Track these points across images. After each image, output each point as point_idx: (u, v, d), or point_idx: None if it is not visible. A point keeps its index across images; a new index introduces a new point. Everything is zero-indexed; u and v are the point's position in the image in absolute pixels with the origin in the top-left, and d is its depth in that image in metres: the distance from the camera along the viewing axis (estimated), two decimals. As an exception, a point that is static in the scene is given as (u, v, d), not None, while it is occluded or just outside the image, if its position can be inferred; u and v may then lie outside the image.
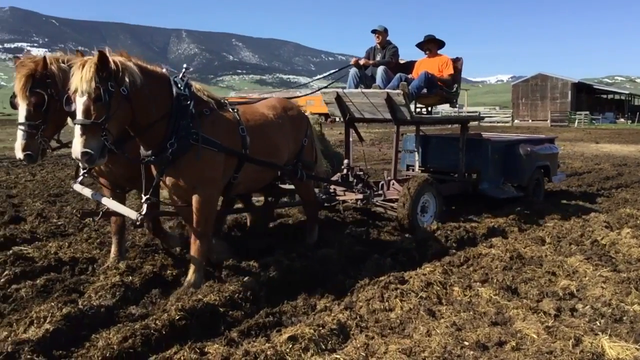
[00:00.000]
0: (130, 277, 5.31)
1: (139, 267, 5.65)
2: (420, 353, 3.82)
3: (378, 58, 8.58)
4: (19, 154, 5.07)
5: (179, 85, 4.93)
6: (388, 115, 7.79)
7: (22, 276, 5.50)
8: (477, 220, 8.30)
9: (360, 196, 7.63)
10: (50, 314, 4.29)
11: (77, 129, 4.26)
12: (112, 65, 4.32)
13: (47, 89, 5.04)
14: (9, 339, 3.96)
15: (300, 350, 3.84)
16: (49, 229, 7.50)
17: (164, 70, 5.07)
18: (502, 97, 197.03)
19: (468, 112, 52.56)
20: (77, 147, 4.25)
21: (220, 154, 5.09)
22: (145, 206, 4.95)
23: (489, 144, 9.22)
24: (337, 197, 7.88)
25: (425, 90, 8.09)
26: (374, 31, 8.62)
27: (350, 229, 7.79)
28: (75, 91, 4.28)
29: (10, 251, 6.23)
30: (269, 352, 3.75)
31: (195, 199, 5.06)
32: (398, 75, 7.96)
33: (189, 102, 4.86)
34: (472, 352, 3.86)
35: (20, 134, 5.06)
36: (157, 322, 4.23)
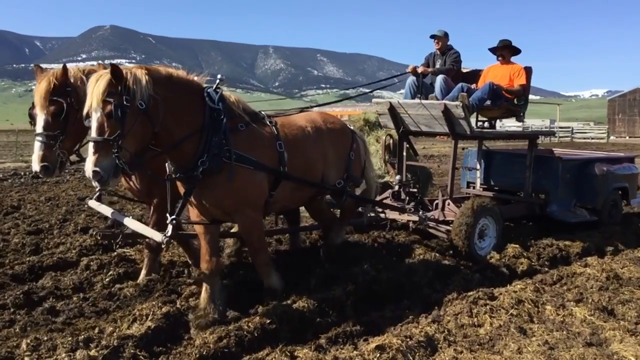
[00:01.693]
0: (224, 281, 5.54)
1: (231, 271, 5.89)
2: (510, 370, 3.76)
3: (437, 65, 7.95)
4: (35, 166, 4.88)
5: (213, 97, 4.59)
6: (445, 129, 7.15)
7: (125, 276, 5.89)
8: (570, 238, 7.98)
9: (413, 217, 6.97)
10: (151, 312, 4.60)
11: (90, 147, 4.02)
12: (128, 78, 4.05)
13: (67, 97, 4.90)
14: (114, 334, 4.28)
15: (388, 360, 3.88)
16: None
17: (200, 79, 4.74)
18: (597, 113, 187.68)
19: (559, 127, 50.47)
20: (88, 166, 3.99)
21: (258, 172, 4.77)
22: (170, 227, 4.56)
23: (560, 162, 8.40)
24: (386, 217, 7.34)
25: (488, 102, 7.45)
26: (432, 36, 8.00)
27: (436, 242, 7.72)
28: (90, 106, 4.04)
29: (115, 253, 6.66)
30: (357, 360, 3.81)
31: (240, 223, 4.98)
32: (459, 85, 7.36)
33: (222, 117, 4.54)
34: (565, 372, 3.74)
35: (37, 145, 4.87)
36: (250, 324, 4.42)
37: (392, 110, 7.63)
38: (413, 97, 7.77)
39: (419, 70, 7.82)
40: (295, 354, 3.97)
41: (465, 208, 6.70)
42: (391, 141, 9.45)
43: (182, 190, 4.65)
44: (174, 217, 4.59)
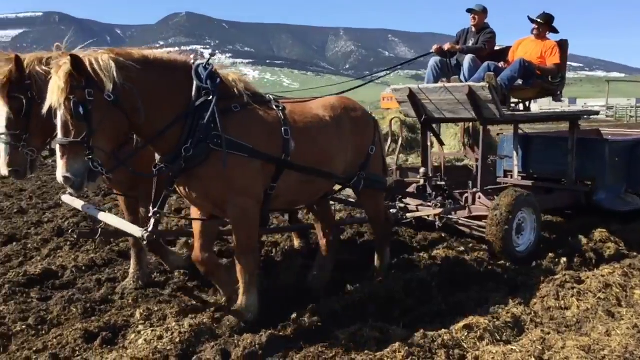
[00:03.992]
0: (309, 261, 5.83)
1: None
2: (599, 351, 3.82)
3: (470, 44, 7.14)
4: (4, 171, 4.55)
5: (201, 75, 4.06)
6: (472, 114, 6.44)
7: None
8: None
9: (437, 210, 6.36)
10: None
11: (57, 150, 3.60)
12: (92, 68, 3.55)
13: (26, 91, 4.44)
14: (217, 305, 4.73)
15: (476, 339, 4.02)
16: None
17: (187, 59, 4.24)
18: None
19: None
20: (58, 172, 3.60)
21: (253, 159, 4.19)
22: (152, 221, 4.14)
23: (607, 145, 7.54)
24: (409, 213, 6.56)
25: (520, 82, 6.72)
26: (469, 10, 7.20)
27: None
28: (51, 105, 3.58)
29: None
30: (445, 337, 3.97)
31: (229, 214, 4.31)
32: (485, 64, 6.62)
33: (210, 98, 4.00)
34: (657, 356, 3.77)
35: (1, 147, 4.51)
36: (340, 302, 4.70)
37: (413, 96, 6.86)
38: (436, 81, 7.07)
39: (446, 47, 7.04)
40: (385, 330, 4.17)
41: (500, 201, 6.08)
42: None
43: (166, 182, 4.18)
44: (156, 209, 4.16)
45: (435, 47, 7.14)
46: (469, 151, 8.71)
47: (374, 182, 5.21)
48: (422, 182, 6.81)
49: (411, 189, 6.94)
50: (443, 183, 6.79)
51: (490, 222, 5.99)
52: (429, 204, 6.57)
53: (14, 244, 7.00)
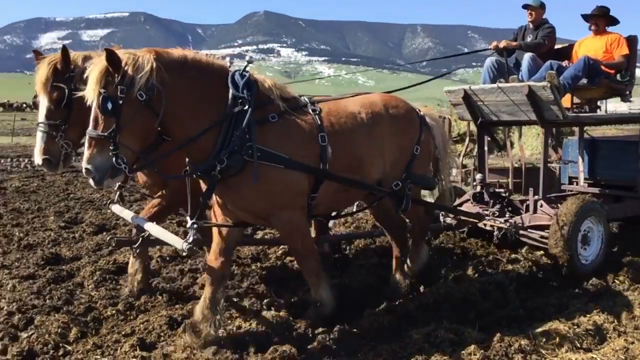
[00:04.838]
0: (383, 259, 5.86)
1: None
2: (688, 365, 3.64)
3: (528, 40, 6.68)
4: (37, 159, 4.53)
5: (237, 83, 3.90)
6: (532, 116, 5.98)
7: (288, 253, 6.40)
8: None
9: (501, 224, 5.93)
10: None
11: (86, 142, 3.59)
12: (128, 65, 3.51)
13: (69, 83, 4.41)
14: (292, 300, 4.88)
15: (555, 345, 3.94)
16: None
17: (225, 64, 4.04)
18: None
19: None
20: (82, 163, 3.60)
21: (291, 171, 4.01)
22: (192, 233, 3.96)
23: None
24: (466, 221, 6.21)
25: (584, 81, 6.20)
26: (525, 6, 6.73)
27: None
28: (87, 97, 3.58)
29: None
30: (522, 342, 3.90)
31: (277, 228, 4.31)
32: (547, 63, 6.17)
33: (246, 107, 3.84)
34: None
35: (39, 135, 4.50)
36: (415, 302, 4.71)
37: (467, 98, 6.43)
38: (493, 81, 6.53)
39: (501, 44, 6.54)
40: (460, 332, 4.15)
41: (563, 209, 5.63)
42: None
43: (204, 188, 4.01)
44: (194, 221, 3.96)
45: (493, 44, 6.71)
46: (552, 152, 8.42)
47: (418, 182, 4.93)
48: (478, 188, 6.46)
49: (467, 195, 6.60)
50: (502, 190, 6.43)
51: (553, 232, 5.56)
52: (486, 212, 6.18)
53: (104, 233, 7.45)
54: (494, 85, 6.19)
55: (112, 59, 3.45)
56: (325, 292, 4.36)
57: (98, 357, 3.92)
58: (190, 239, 3.91)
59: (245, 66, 4.04)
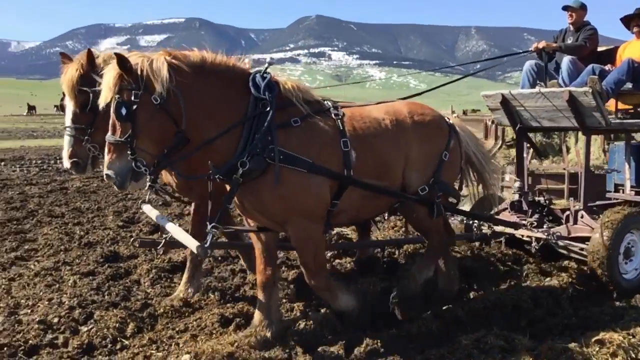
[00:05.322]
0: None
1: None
2: None
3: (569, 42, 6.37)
4: (66, 163, 4.59)
5: (259, 85, 3.85)
6: (573, 123, 5.68)
7: (343, 253, 6.46)
8: None
9: (539, 234, 5.57)
10: (371, 286, 5.11)
11: (105, 148, 3.60)
12: (142, 69, 3.49)
13: (95, 86, 4.25)
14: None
15: (608, 355, 3.84)
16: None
17: (245, 66, 4.01)
18: None
19: None
20: (103, 169, 3.63)
21: (314, 175, 3.91)
22: (210, 237, 3.91)
23: None
24: (502, 231, 5.90)
25: (629, 85, 5.88)
26: (565, 7, 6.45)
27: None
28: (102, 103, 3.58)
29: (334, 231, 7.30)
30: (575, 350, 3.84)
31: (291, 235, 4.10)
32: (589, 67, 5.87)
33: (268, 110, 3.80)
34: None
35: (66, 139, 4.56)
36: (464, 308, 4.68)
37: (506, 103, 6.13)
38: (532, 85, 6.25)
39: (540, 44, 6.25)
40: (511, 339, 4.09)
41: (605, 219, 5.27)
42: None
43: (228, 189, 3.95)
44: (213, 224, 3.92)
45: (534, 45, 6.39)
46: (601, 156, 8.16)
47: (445, 190, 4.62)
48: (516, 196, 6.08)
49: (504, 204, 6.20)
50: (541, 198, 6.13)
51: (593, 245, 5.23)
52: (524, 222, 5.78)
53: (159, 233, 7.68)
54: (534, 90, 5.91)
55: (123, 63, 3.45)
56: (344, 300, 4.30)
57: (153, 351, 4.07)
58: (208, 242, 3.88)
59: (266, 68, 3.97)
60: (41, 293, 5.25)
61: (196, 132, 3.71)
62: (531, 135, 6.64)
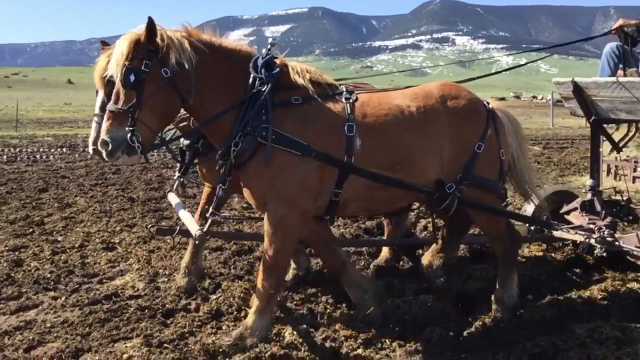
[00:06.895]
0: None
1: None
2: None
3: None
4: (90, 148, 4.59)
5: (257, 64, 3.78)
6: None
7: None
8: None
9: (576, 237, 5.00)
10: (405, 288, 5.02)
11: (105, 116, 3.56)
12: (160, 41, 3.46)
13: None
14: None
15: None
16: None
17: (252, 50, 3.96)
18: None
19: None
20: (100, 134, 3.58)
21: (308, 159, 3.68)
22: (209, 222, 3.96)
23: None
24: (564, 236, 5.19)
25: None
26: None
27: None
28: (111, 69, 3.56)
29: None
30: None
31: (265, 219, 3.83)
32: None
33: (263, 88, 3.69)
34: None
35: (93, 126, 4.55)
36: (581, 298, 4.62)
37: (579, 91, 5.36)
38: (614, 71, 5.48)
39: (618, 23, 5.45)
40: (628, 331, 3.97)
41: None
42: None
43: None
44: (212, 211, 3.93)
45: (617, 23, 5.53)
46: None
47: (479, 184, 4.15)
48: (589, 195, 5.45)
49: (574, 203, 5.58)
50: (620, 198, 5.54)
51: None
52: (591, 224, 5.14)
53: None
54: (609, 79, 5.19)
55: (152, 28, 3.44)
56: (263, 321, 3.88)
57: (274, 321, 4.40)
58: (205, 227, 3.99)
59: (269, 48, 3.90)
60: (176, 264, 5.79)
61: (202, 108, 3.73)
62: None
